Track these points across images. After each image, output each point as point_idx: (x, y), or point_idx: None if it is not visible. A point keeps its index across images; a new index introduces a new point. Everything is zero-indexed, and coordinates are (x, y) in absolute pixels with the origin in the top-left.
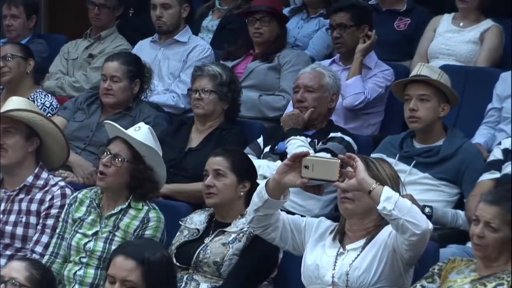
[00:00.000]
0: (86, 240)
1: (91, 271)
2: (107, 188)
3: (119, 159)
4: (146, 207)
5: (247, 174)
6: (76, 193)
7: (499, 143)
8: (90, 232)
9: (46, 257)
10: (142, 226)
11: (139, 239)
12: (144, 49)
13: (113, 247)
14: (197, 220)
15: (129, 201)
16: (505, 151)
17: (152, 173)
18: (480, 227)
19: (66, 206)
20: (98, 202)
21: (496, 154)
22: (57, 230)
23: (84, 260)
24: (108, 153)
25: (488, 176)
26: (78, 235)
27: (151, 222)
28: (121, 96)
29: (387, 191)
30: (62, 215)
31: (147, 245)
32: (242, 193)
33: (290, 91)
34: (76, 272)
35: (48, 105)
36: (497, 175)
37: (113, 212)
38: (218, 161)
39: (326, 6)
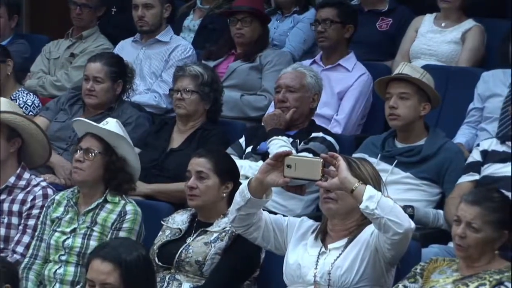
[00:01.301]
0: (64, 237)
1: (71, 269)
2: (83, 182)
3: (92, 153)
4: (122, 201)
5: (230, 175)
6: (54, 195)
7: (478, 145)
8: (68, 230)
9: (26, 259)
10: (119, 219)
11: (116, 240)
12: (126, 49)
13: (92, 243)
14: (179, 220)
15: (105, 195)
16: (484, 153)
17: (125, 163)
18: (462, 228)
19: (44, 208)
20: (75, 201)
21: (475, 156)
22: (36, 233)
23: (63, 258)
24: (80, 149)
25: (466, 178)
26: (56, 234)
27: (128, 215)
28: (103, 97)
29: (369, 190)
30: (41, 218)
31: (123, 245)
32: (224, 194)
33: (272, 91)
34: (56, 271)
35: (30, 104)
36: (476, 177)
37: (90, 207)
38: (201, 162)
39: (298, 4)
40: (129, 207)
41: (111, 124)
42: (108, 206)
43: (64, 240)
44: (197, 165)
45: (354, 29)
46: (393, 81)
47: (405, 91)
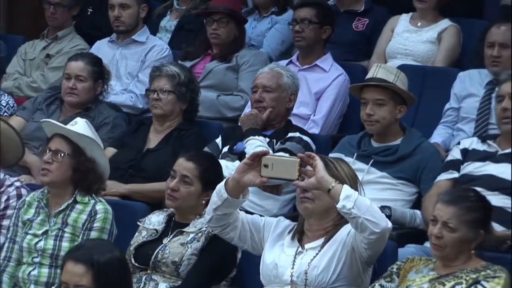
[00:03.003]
0: (36, 240)
1: (45, 270)
2: (51, 183)
3: (60, 155)
4: (92, 201)
5: (213, 184)
6: (24, 196)
7: (458, 143)
8: (40, 232)
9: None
10: (90, 219)
11: (90, 241)
12: (102, 49)
13: (64, 244)
14: (155, 220)
15: (74, 196)
16: (464, 151)
17: (94, 164)
18: (438, 227)
19: (15, 210)
20: (45, 202)
21: (455, 154)
22: (8, 235)
23: (36, 260)
24: (49, 150)
25: (445, 176)
26: (28, 236)
27: (99, 214)
28: (85, 96)
29: (346, 189)
30: (13, 219)
31: (96, 247)
32: (204, 202)
33: (248, 91)
34: (30, 272)
35: (4, 104)
36: (455, 175)
37: (60, 209)
38: (189, 167)
39: (277, 5)
40: (99, 206)
41: (80, 125)
42: (78, 206)
43: (36, 243)
44: (184, 168)
45: (331, 31)
46: (368, 86)
47: (380, 97)
